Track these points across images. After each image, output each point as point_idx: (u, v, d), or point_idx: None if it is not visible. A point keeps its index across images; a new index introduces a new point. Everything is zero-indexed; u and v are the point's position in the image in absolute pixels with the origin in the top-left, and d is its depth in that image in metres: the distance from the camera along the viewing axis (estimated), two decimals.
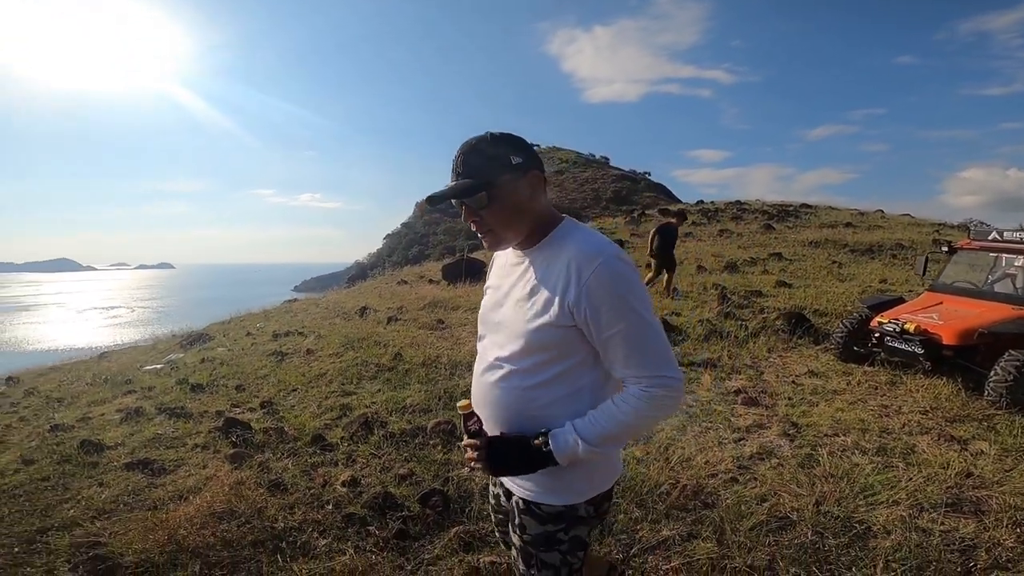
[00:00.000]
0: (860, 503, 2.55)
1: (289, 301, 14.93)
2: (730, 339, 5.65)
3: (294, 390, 4.90)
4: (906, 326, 4.52)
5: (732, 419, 3.74)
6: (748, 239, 13.98)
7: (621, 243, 14.03)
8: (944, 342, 4.30)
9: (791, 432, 3.48)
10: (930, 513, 2.46)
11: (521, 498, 1.30)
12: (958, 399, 3.97)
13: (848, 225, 15.19)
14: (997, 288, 4.94)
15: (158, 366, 7.00)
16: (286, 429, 3.82)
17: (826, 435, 3.41)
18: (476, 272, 11.11)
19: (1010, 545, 2.22)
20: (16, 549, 2.58)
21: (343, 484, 2.98)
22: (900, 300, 5.35)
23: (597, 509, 1.32)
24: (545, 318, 1.16)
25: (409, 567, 2.31)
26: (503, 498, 1.47)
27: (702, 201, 23.76)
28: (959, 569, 2.10)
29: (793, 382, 4.57)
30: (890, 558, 2.14)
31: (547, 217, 1.24)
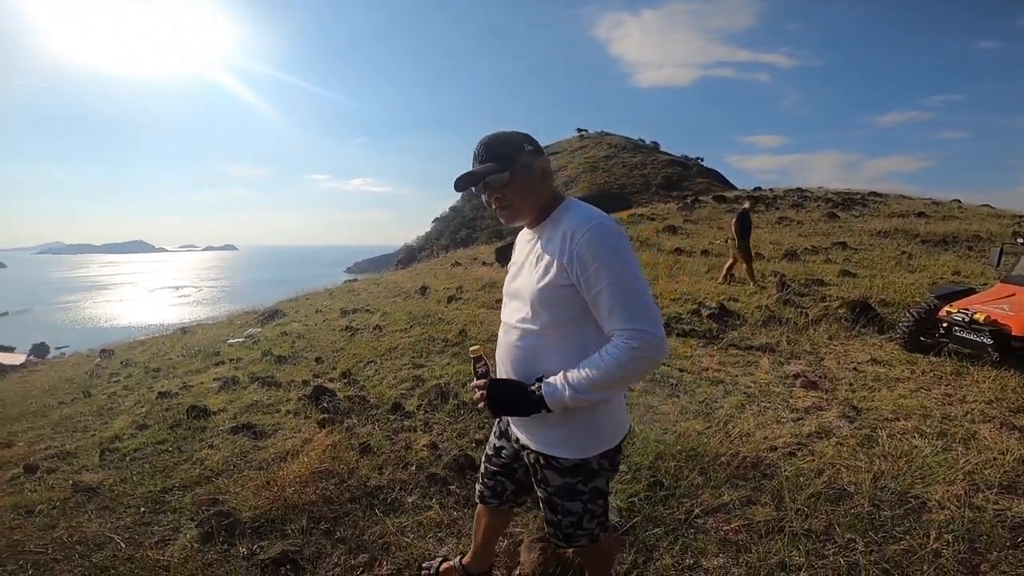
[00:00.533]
0: (917, 480, 2.64)
1: (349, 281, 15.65)
2: (789, 326, 5.66)
3: (370, 362, 5.29)
4: (975, 316, 4.45)
5: (790, 400, 3.83)
6: (809, 227, 13.56)
7: (674, 229, 13.94)
8: (1014, 333, 4.23)
9: (850, 414, 3.54)
10: (985, 493, 2.52)
11: (540, 453, 1.47)
12: None
13: (920, 215, 14.43)
14: None
15: (240, 340, 7.61)
16: (368, 397, 4.16)
17: (886, 419, 3.46)
18: None
19: None
20: (143, 509, 2.77)
21: (423, 447, 3.21)
22: (971, 291, 5.23)
23: (611, 462, 1.49)
24: (547, 278, 1.34)
25: None
26: (504, 451, 1.69)
27: (759, 188, 22.97)
28: (1008, 544, 2.18)
29: (855, 368, 4.59)
30: (943, 530, 2.24)
31: (554, 198, 1.45)
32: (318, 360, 5.60)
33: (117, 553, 2.36)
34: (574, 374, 1.30)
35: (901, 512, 2.40)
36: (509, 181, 1.38)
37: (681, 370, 4.55)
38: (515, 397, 1.38)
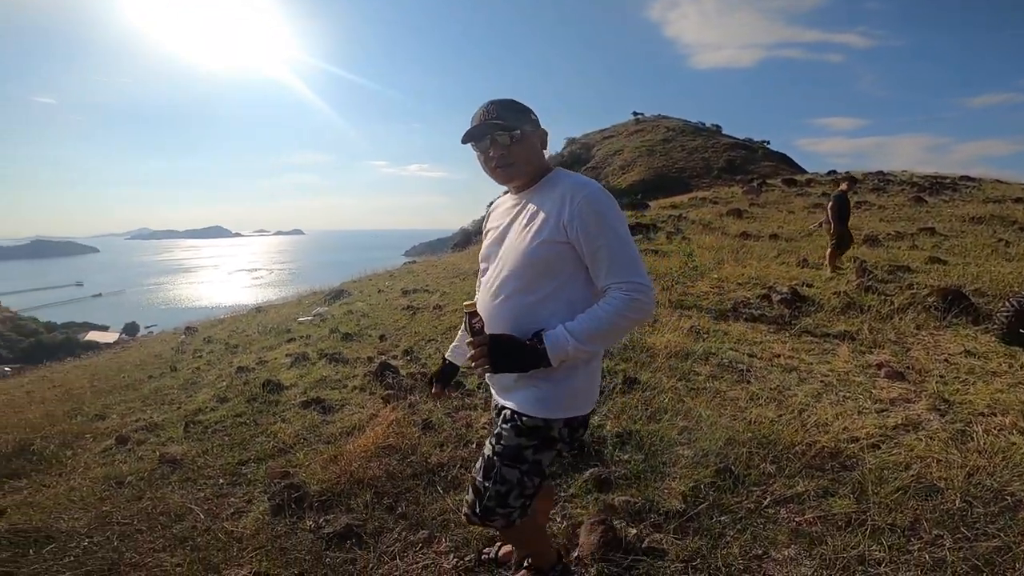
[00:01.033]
0: (1014, 478, 2.42)
1: (409, 263, 16.05)
2: (871, 313, 5.30)
3: (431, 340, 5.40)
4: None
5: (873, 391, 3.59)
6: (893, 212, 12.66)
7: (739, 213, 13.35)
8: None
9: (941, 407, 3.28)
10: None
11: (509, 408, 1.47)
12: None
13: (1018, 200, 13.15)
14: None
15: (309, 318, 7.97)
16: (430, 374, 4.24)
17: (981, 414, 3.18)
18: None
19: None
20: (221, 480, 2.89)
21: (484, 426, 3.22)
22: None
23: (573, 433, 1.49)
24: (544, 235, 1.39)
25: None
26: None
27: (834, 171, 21.66)
28: None
29: (946, 360, 4.23)
30: None
31: (545, 167, 1.52)
32: (382, 338, 5.76)
33: (196, 524, 2.48)
34: (575, 325, 1.34)
35: (995, 510, 2.21)
36: (519, 139, 1.43)
37: (751, 355, 4.35)
38: (516, 351, 1.37)
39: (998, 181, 17.26)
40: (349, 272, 14.59)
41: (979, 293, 5.96)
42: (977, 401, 3.36)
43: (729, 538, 2.12)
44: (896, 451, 2.73)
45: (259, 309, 11.56)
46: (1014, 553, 1.94)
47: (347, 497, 2.56)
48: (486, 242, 1.61)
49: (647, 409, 3.26)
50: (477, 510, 1.51)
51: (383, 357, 4.94)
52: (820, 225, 7.59)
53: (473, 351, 1.39)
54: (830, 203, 7.66)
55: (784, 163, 56.13)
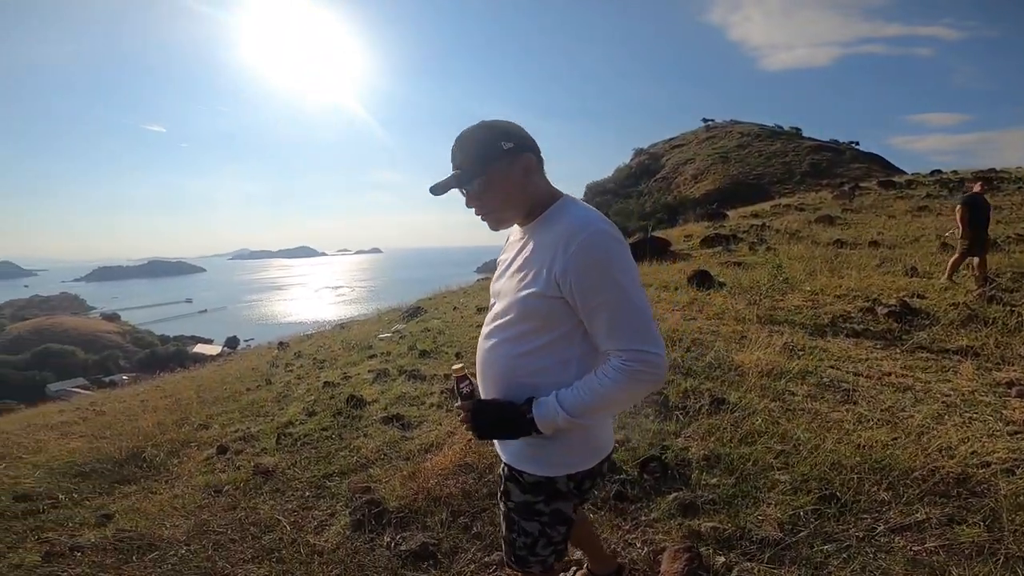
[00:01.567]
0: None
1: (481, 279, 16.27)
2: (996, 326, 4.72)
3: None
4: None
5: (1004, 412, 3.19)
6: (1011, 213, 11.41)
7: (830, 219, 12.43)
8: None
9: None
10: None
11: (507, 464, 1.36)
12: None
13: None
14: None
15: (388, 335, 8.21)
16: None
17: None
18: (660, 251, 10.79)
19: None
20: (307, 493, 2.95)
21: None
22: None
23: (579, 487, 1.35)
24: (533, 288, 1.21)
25: (626, 527, 2.36)
26: None
27: (939, 171, 19.82)
28: None
29: None
30: None
31: (544, 195, 1.29)
32: (458, 355, 5.81)
33: (283, 536, 2.55)
34: (568, 395, 1.19)
35: None
36: (485, 189, 1.25)
37: (856, 374, 3.97)
38: (502, 420, 1.26)
39: None
40: (424, 289, 15.00)
41: None
42: None
43: (832, 568, 1.95)
44: None
45: (342, 326, 12.09)
46: None
47: (424, 515, 2.55)
48: (496, 272, 1.45)
49: (737, 431, 3.04)
50: (512, 560, 1.44)
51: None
52: (951, 232, 6.83)
53: (461, 415, 1.33)
54: (958, 207, 6.94)
55: (877, 164, 52.15)
